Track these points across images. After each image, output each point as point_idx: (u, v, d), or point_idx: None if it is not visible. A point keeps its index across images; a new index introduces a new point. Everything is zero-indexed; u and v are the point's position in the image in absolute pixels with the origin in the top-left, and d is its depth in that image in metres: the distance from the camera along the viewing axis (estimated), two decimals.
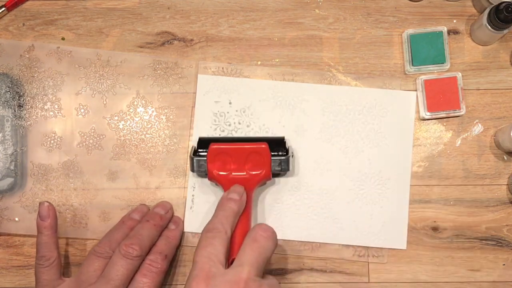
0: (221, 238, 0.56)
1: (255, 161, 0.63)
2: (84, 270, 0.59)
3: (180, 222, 0.65)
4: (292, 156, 0.65)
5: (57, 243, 0.61)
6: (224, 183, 0.63)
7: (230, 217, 0.59)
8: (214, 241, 0.56)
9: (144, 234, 0.60)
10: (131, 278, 0.59)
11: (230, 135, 0.67)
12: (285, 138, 0.66)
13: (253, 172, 0.63)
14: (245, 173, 0.63)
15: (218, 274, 0.53)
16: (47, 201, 0.62)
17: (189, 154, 0.66)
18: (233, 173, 0.63)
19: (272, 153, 0.64)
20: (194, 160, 0.63)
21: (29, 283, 0.66)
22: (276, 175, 0.66)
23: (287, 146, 0.65)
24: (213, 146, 0.63)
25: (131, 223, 0.63)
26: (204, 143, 0.65)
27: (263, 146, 0.63)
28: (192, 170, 0.64)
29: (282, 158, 0.63)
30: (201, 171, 0.64)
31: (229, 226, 0.58)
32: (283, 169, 0.64)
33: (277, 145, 0.64)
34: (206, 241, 0.56)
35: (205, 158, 0.63)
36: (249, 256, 0.55)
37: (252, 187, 0.63)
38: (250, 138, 0.66)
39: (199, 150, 0.65)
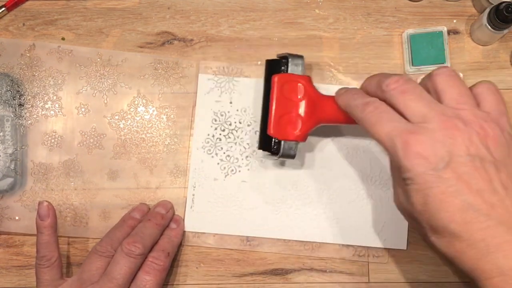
0: (383, 104, 0.52)
1: (291, 88, 0.61)
2: (86, 269, 0.59)
3: (181, 221, 0.65)
4: (288, 53, 0.63)
5: (57, 243, 0.61)
6: (313, 123, 0.61)
7: (364, 93, 0.55)
8: (382, 109, 0.51)
9: (146, 232, 0.60)
10: (133, 276, 0.59)
11: (231, 135, 0.67)
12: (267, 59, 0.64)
13: (302, 93, 0.61)
14: (303, 100, 0.61)
15: (417, 127, 0.49)
16: (46, 201, 0.62)
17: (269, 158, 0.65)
18: (303, 113, 0.60)
19: (282, 71, 0.62)
20: (284, 154, 0.61)
21: (29, 283, 0.66)
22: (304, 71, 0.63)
23: (276, 57, 0.64)
24: (270, 131, 0.60)
25: (132, 222, 0.63)
26: (265, 143, 0.62)
27: (276, 78, 0.61)
28: (293, 156, 0.61)
29: (289, 61, 0.61)
30: (295, 147, 0.61)
31: (372, 97, 0.54)
32: (302, 63, 0.62)
33: (274, 66, 0.63)
34: (374, 116, 0.51)
35: (283, 142, 0.60)
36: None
37: (319, 96, 0.61)
38: (264, 101, 0.63)
39: (272, 149, 0.61)
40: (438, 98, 0.50)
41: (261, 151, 0.64)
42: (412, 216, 0.50)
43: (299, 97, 0.61)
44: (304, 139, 0.61)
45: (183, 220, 0.66)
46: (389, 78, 0.52)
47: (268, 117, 0.61)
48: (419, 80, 0.66)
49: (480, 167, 0.46)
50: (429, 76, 0.52)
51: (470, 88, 0.52)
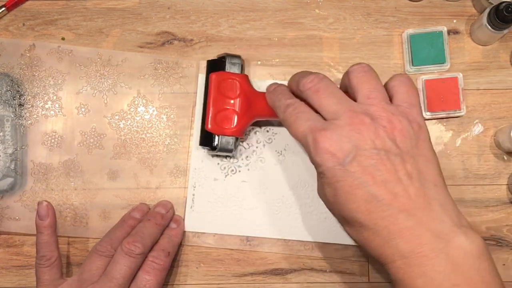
0: (302, 105, 0.56)
1: (227, 86, 0.63)
2: (86, 268, 0.59)
3: (181, 221, 0.65)
4: (226, 53, 0.66)
5: (57, 242, 0.61)
6: (248, 119, 0.64)
7: (288, 93, 0.59)
8: (300, 110, 0.55)
9: (146, 232, 0.60)
10: (133, 276, 0.59)
11: None
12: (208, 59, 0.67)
13: (239, 91, 0.63)
14: (239, 97, 0.63)
15: (328, 124, 0.52)
16: (46, 201, 0.62)
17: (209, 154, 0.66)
18: (238, 109, 0.63)
19: (219, 70, 0.64)
20: (221, 148, 0.63)
21: (29, 283, 0.66)
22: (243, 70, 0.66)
23: (217, 56, 0.66)
24: (207, 126, 0.63)
25: (132, 222, 0.63)
26: (205, 139, 0.64)
27: (213, 76, 0.63)
28: (231, 151, 0.64)
29: (227, 60, 0.64)
30: (233, 143, 0.63)
31: (294, 97, 0.57)
32: (239, 63, 0.65)
33: (214, 66, 0.65)
34: (292, 116, 0.55)
35: (219, 136, 0.63)
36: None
37: (255, 92, 0.64)
38: (204, 100, 0.65)
39: (212, 145, 0.64)
40: (353, 94, 0.54)
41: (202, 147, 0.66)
42: (328, 207, 0.53)
43: (235, 94, 0.63)
44: (240, 134, 0.64)
45: (183, 220, 0.66)
46: (305, 77, 0.55)
47: (206, 114, 0.63)
48: (416, 80, 0.66)
49: (386, 159, 0.49)
50: (346, 73, 0.55)
51: (386, 82, 0.55)
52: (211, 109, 0.63)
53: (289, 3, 0.69)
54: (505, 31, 0.64)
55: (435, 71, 0.67)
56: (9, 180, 0.66)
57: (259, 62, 0.68)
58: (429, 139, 0.52)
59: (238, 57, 0.65)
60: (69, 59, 0.68)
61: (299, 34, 0.69)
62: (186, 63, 0.68)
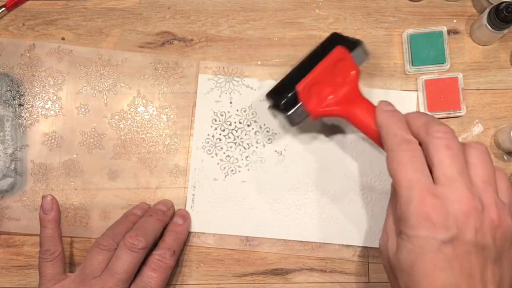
0: (420, 150, 0.50)
1: (342, 68, 0.58)
2: (88, 263, 0.59)
3: (187, 216, 0.65)
4: (360, 40, 0.60)
5: (60, 237, 0.61)
6: (336, 112, 0.58)
7: (407, 127, 0.53)
8: (416, 155, 0.50)
9: (148, 227, 0.61)
10: (136, 271, 0.59)
11: (231, 135, 0.67)
12: (336, 32, 0.62)
13: (348, 80, 0.58)
14: (344, 87, 0.58)
15: (439, 190, 0.48)
16: (50, 195, 0.62)
17: (272, 111, 0.60)
18: (336, 97, 0.57)
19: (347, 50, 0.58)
20: (294, 114, 0.57)
21: (29, 283, 0.66)
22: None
23: (347, 36, 0.61)
24: (300, 87, 0.56)
25: (134, 218, 0.63)
26: (279, 92, 0.59)
27: (339, 49, 0.57)
28: (294, 124, 0.59)
29: (360, 47, 0.59)
30: (303, 118, 0.58)
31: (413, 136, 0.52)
32: (366, 56, 0.60)
33: (339, 41, 0.60)
34: (406, 157, 0.50)
35: (300, 104, 0.57)
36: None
37: (360, 95, 0.58)
38: (309, 58, 0.60)
39: (281, 102, 0.59)
40: (466, 168, 0.49)
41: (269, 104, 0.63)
42: (391, 266, 0.50)
43: (344, 81, 0.58)
44: (317, 117, 0.58)
45: (189, 215, 0.66)
46: (440, 125, 0.50)
47: (303, 75, 0.57)
48: (419, 81, 0.66)
49: (480, 254, 0.46)
50: (467, 144, 0.51)
51: None
52: (314, 75, 0.57)
53: (289, 3, 0.69)
54: (505, 31, 0.64)
55: (435, 71, 0.67)
56: (9, 180, 0.66)
57: (259, 62, 0.68)
58: None
59: (368, 54, 0.60)
60: (69, 59, 0.68)
61: (299, 34, 0.69)
62: (186, 63, 0.68)
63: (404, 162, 0.49)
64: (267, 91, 0.64)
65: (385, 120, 0.54)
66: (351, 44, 0.59)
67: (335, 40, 0.62)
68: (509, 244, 0.48)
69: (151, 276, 0.59)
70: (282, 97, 0.60)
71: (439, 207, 0.46)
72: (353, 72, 0.58)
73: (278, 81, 0.63)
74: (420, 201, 0.47)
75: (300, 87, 0.57)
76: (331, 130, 0.67)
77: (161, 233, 0.63)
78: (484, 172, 0.49)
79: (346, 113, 0.58)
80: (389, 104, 0.56)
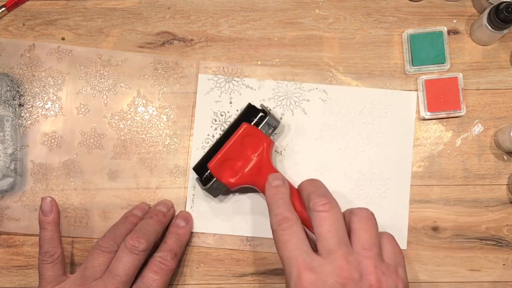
0: (298, 225, 0.54)
1: (251, 142, 0.62)
2: (88, 265, 0.59)
3: (190, 218, 0.65)
4: (270, 110, 0.64)
5: (60, 238, 0.61)
6: (248, 182, 0.62)
7: (289, 202, 0.57)
8: (294, 231, 0.54)
9: (149, 229, 0.61)
10: (136, 273, 0.59)
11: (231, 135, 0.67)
12: (251, 102, 0.66)
13: (258, 152, 0.62)
14: (254, 158, 0.62)
15: (317, 263, 0.51)
16: (50, 196, 0.62)
17: (199, 186, 0.65)
18: (246, 169, 0.62)
19: (254, 124, 0.63)
20: (210, 189, 0.63)
21: (29, 283, 0.66)
22: (273, 134, 0.65)
23: (258, 107, 0.65)
24: (211, 164, 0.62)
25: (134, 219, 0.63)
26: (201, 168, 0.64)
27: (244, 126, 0.62)
28: (215, 195, 0.64)
29: (266, 119, 0.63)
30: (222, 189, 0.63)
31: (293, 210, 0.56)
32: (274, 127, 0.64)
33: (252, 113, 0.64)
34: (284, 235, 0.54)
35: (215, 179, 0.62)
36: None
37: (269, 164, 0.62)
38: (226, 131, 0.65)
39: (203, 177, 0.64)
40: (349, 235, 0.54)
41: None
42: None
43: (253, 154, 0.62)
44: (233, 188, 0.63)
45: (191, 217, 0.66)
46: (319, 197, 0.54)
47: (216, 152, 0.63)
48: (419, 81, 0.66)
49: None
50: (350, 211, 0.55)
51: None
52: (222, 153, 0.62)
53: (289, 3, 0.69)
54: (505, 31, 0.64)
55: (435, 71, 0.67)
56: (9, 180, 0.66)
57: (259, 62, 0.68)
58: None
59: (278, 121, 0.64)
60: (69, 59, 0.68)
61: (299, 34, 0.69)
62: (186, 63, 0.68)
63: (283, 240, 0.53)
64: (197, 161, 0.66)
65: (269, 198, 0.58)
66: (260, 117, 0.64)
67: (247, 112, 0.65)
68: None
69: (152, 278, 0.59)
70: (202, 173, 0.64)
71: (315, 282, 0.50)
72: (262, 144, 0.63)
73: (205, 153, 0.65)
74: (297, 277, 0.50)
75: (211, 165, 0.62)
76: (331, 131, 0.67)
77: (161, 234, 0.63)
78: (365, 238, 0.53)
79: (255, 183, 0.62)
80: (277, 178, 0.60)
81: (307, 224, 0.57)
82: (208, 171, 0.63)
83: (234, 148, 0.62)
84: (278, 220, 0.55)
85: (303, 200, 0.58)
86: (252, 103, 0.65)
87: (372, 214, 0.55)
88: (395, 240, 0.55)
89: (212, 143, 0.66)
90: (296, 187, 0.61)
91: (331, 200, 0.55)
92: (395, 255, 0.54)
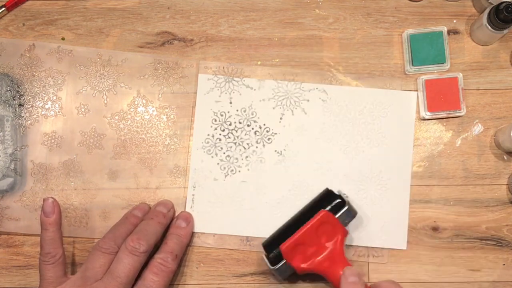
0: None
1: (327, 230, 0.61)
2: (89, 266, 0.59)
3: (190, 219, 0.65)
4: (347, 197, 0.64)
5: (61, 239, 0.61)
6: (318, 270, 0.61)
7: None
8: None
9: (149, 230, 0.61)
10: (137, 274, 0.59)
11: (230, 135, 0.67)
12: (328, 187, 0.65)
13: (332, 241, 0.61)
14: (328, 247, 0.61)
15: None
16: (51, 197, 0.62)
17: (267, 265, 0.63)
18: (318, 257, 0.61)
19: (332, 211, 0.62)
20: (278, 270, 0.61)
21: (29, 283, 0.66)
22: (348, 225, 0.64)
23: (336, 192, 0.64)
24: (284, 246, 0.60)
25: (134, 220, 0.63)
26: (271, 247, 0.62)
27: (323, 213, 0.61)
28: (283, 278, 0.63)
29: (345, 209, 0.62)
30: (289, 272, 0.61)
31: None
32: (352, 216, 0.62)
33: (329, 199, 0.63)
34: None
35: (284, 261, 0.61)
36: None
37: (342, 256, 0.61)
38: (301, 213, 0.64)
39: (271, 255, 0.62)
40: None
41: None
42: None
43: (327, 242, 0.61)
44: (301, 273, 0.62)
45: (192, 218, 0.66)
46: None
47: (291, 233, 0.61)
48: (419, 81, 0.66)
49: None
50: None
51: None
52: (297, 238, 0.61)
53: (289, 3, 0.69)
54: (505, 31, 0.64)
55: (435, 71, 0.67)
56: (9, 180, 0.66)
57: (259, 62, 0.68)
58: None
59: (355, 213, 0.63)
60: (69, 59, 0.68)
61: (299, 34, 0.69)
62: (186, 63, 0.68)
63: None
64: (264, 241, 0.65)
65: None
66: (338, 205, 0.62)
67: (327, 197, 0.64)
68: None
69: (153, 279, 0.59)
70: (272, 251, 0.62)
71: None
72: (338, 234, 0.61)
73: (276, 230, 0.65)
74: None
75: (284, 247, 0.61)
76: (331, 131, 0.67)
77: (162, 235, 0.63)
78: None
79: (326, 273, 0.61)
80: (354, 274, 0.59)
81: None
82: (278, 251, 0.61)
83: (309, 234, 0.61)
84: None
85: None
86: (330, 188, 0.65)
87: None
88: None
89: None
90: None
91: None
92: None
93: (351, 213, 0.62)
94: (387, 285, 0.57)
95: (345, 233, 0.62)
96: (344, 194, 0.64)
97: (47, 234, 0.60)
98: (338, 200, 0.62)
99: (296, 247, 0.61)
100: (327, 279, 0.62)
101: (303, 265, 0.61)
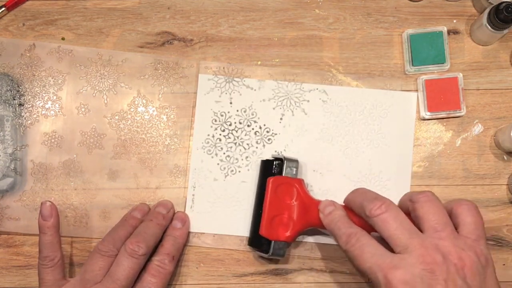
0: (365, 235, 0.55)
1: (284, 190, 0.62)
2: (88, 268, 0.59)
3: (186, 220, 0.65)
4: (282, 154, 0.65)
5: (60, 243, 0.61)
6: (303, 226, 0.62)
7: (348, 220, 0.58)
8: (364, 242, 0.54)
9: (148, 232, 0.61)
10: (136, 276, 0.59)
11: (231, 135, 0.67)
12: (261, 159, 0.66)
13: (295, 196, 0.62)
14: (295, 203, 0.62)
15: (398, 260, 0.52)
16: (49, 201, 0.62)
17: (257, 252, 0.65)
18: (294, 216, 0.62)
19: (277, 173, 0.63)
20: (274, 253, 0.62)
21: (29, 283, 0.66)
22: (297, 173, 0.64)
23: (270, 158, 0.65)
24: (262, 230, 0.61)
25: (134, 222, 0.63)
26: (256, 240, 0.63)
27: (271, 180, 0.62)
28: (282, 255, 0.63)
29: (285, 164, 0.63)
30: (284, 247, 0.62)
31: (355, 225, 0.57)
32: (296, 166, 0.63)
33: (269, 166, 0.64)
34: (356, 249, 0.54)
35: (273, 242, 0.61)
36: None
37: (311, 200, 0.62)
38: (256, 196, 0.65)
39: (262, 247, 0.63)
40: (418, 223, 0.54)
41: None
42: None
43: (292, 199, 0.62)
44: (293, 240, 0.63)
45: (188, 218, 0.66)
46: (372, 203, 0.55)
47: (260, 217, 0.62)
48: (419, 81, 0.66)
49: None
50: (410, 199, 0.56)
51: (451, 207, 0.55)
52: (267, 213, 0.62)
53: (289, 3, 0.69)
54: (505, 31, 0.64)
55: (435, 71, 0.67)
56: (9, 180, 0.66)
57: (259, 62, 0.68)
58: (495, 271, 0.53)
59: (296, 161, 0.64)
60: (69, 59, 0.68)
61: (299, 34, 0.69)
62: (186, 63, 0.68)
63: (357, 254, 0.54)
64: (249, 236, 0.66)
65: (329, 226, 0.59)
66: (277, 165, 0.64)
67: (265, 168, 0.65)
68: (483, 276, 0.51)
69: (151, 281, 0.59)
70: (259, 243, 0.63)
71: (404, 277, 0.50)
72: (294, 186, 0.63)
73: (250, 227, 0.65)
74: (385, 279, 0.50)
75: (262, 231, 0.62)
76: (331, 131, 0.67)
77: (161, 236, 0.63)
78: (433, 221, 0.53)
79: (310, 222, 0.62)
80: (327, 205, 0.60)
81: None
82: (263, 238, 0.62)
83: (273, 204, 0.62)
84: (344, 239, 0.56)
85: (357, 212, 0.58)
86: (263, 158, 0.66)
87: (433, 194, 0.55)
88: (476, 210, 0.55)
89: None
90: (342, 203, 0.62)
91: (385, 200, 0.55)
92: (475, 227, 0.53)
93: (293, 163, 0.63)
94: (351, 196, 0.60)
95: (300, 181, 0.63)
96: (276, 152, 0.66)
97: (45, 238, 0.60)
98: (276, 162, 0.64)
99: (271, 224, 0.62)
100: (316, 227, 0.63)
101: (287, 233, 0.61)
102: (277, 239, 0.61)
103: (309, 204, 0.62)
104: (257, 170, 0.66)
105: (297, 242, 0.66)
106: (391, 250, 0.53)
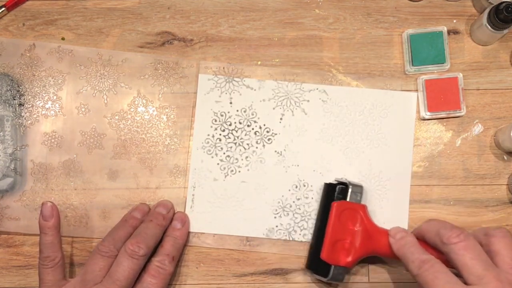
0: (438, 262, 0.55)
1: (348, 216, 0.62)
2: (89, 269, 0.59)
3: (186, 220, 0.65)
4: (345, 178, 0.64)
5: (61, 243, 0.61)
6: (365, 253, 0.62)
7: (420, 247, 0.58)
8: (437, 268, 0.54)
9: (148, 233, 0.61)
10: (136, 277, 0.59)
11: (231, 135, 0.67)
12: (325, 182, 0.66)
13: (358, 222, 0.62)
14: (358, 229, 0.62)
15: None
16: (50, 201, 0.62)
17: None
18: (357, 243, 0.62)
19: (341, 198, 0.63)
20: (333, 278, 0.61)
21: (29, 283, 0.66)
22: (361, 199, 0.64)
23: (334, 182, 0.65)
24: (323, 254, 0.61)
25: (134, 222, 0.63)
26: (315, 264, 0.63)
27: (335, 205, 0.62)
28: (341, 280, 0.63)
29: (350, 189, 0.63)
30: (343, 272, 0.62)
31: (427, 253, 0.57)
32: (360, 191, 0.63)
33: (332, 190, 0.64)
34: (429, 275, 0.54)
35: (333, 266, 0.61)
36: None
37: (375, 227, 0.62)
38: (319, 220, 0.65)
39: (321, 271, 0.62)
40: (491, 257, 0.54)
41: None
42: None
43: (355, 225, 0.62)
44: (353, 266, 0.63)
45: (188, 218, 0.66)
46: (451, 231, 0.55)
47: (322, 241, 0.62)
48: (419, 81, 0.66)
49: None
50: (484, 233, 0.56)
51: None
52: (329, 238, 0.61)
53: (289, 3, 0.69)
54: (505, 31, 0.64)
55: (435, 71, 0.67)
56: (9, 180, 0.66)
57: (259, 62, 0.68)
58: None
59: (360, 186, 0.64)
60: (69, 59, 0.68)
61: (299, 34, 0.69)
62: (186, 63, 0.68)
63: (430, 279, 0.53)
64: (306, 261, 0.66)
65: (399, 251, 0.59)
66: (342, 190, 0.63)
67: (328, 192, 0.65)
68: None
69: (151, 282, 0.59)
70: (319, 267, 0.63)
71: None
72: (358, 213, 0.63)
73: (309, 249, 0.65)
74: None
75: (323, 255, 0.61)
76: (331, 131, 0.67)
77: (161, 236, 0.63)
78: (508, 257, 0.53)
79: (372, 250, 0.62)
80: (399, 231, 0.61)
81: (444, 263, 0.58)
82: (322, 262, 0.62)
83: (336, 229, 0.62)
84: (417, 264, 0.55)
85: (431, 241, 0.58)
86: (327, 182, 0.65)
87: (508, 231, 0.56)
88: None
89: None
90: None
91: (463, 230, 0.55)
92: None
93: (358, 189, 0.63)
94: (426, 225, 0.59)
95: (364, 208, 0.63)
96: (341, 178, 0.65)
97: (46, 238, 0.61)
98: (340, 186, 0.63)
99: (333, 248, 0.61)
100: (378, 255, 0.63)
101: (349, 259, 0.61)
102: (337, 263, 0.61)
103: (372, 231, 0.62)
104: (258, 170, 0.66)
105: (297, 242, 0.66)
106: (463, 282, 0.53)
